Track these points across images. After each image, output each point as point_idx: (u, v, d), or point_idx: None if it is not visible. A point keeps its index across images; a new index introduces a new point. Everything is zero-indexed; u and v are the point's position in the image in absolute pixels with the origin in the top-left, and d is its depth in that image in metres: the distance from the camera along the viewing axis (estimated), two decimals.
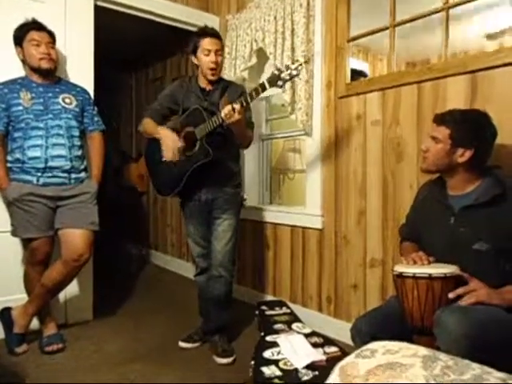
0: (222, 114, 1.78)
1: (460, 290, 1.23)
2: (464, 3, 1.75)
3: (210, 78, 2.00)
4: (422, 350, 0.70)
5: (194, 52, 2.00)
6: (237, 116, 1.75)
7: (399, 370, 0.63)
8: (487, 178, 1.36)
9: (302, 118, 2.33)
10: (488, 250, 1.27)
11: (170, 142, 1.99)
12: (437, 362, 0.63)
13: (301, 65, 1.68)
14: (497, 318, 1.18)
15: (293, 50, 2.36)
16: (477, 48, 2.27)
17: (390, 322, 1.34)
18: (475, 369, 0.62)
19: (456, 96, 1.76)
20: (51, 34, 2.08)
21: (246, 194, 2.18)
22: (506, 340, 1.16)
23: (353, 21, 2.21)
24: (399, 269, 1.31)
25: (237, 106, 1.75)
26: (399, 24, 1.99)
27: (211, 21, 2.98)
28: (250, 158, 2.99)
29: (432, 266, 1.31)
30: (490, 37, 2.85)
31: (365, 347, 0.76)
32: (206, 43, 1.95)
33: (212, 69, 1.97)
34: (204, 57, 1.96)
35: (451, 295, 1.22)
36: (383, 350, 0.72)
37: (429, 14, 1.88)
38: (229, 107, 1.75)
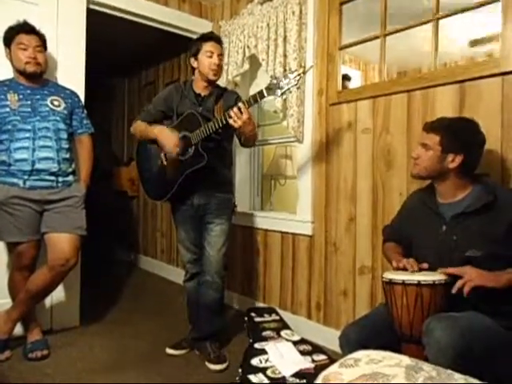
0: (231, 121, 1.74)
1: (459, 283, 1.20)
2: (452, 15, 1.78)
3: (212, 77, 1.99)
4: (406, 360, 0.69)
5: (195, 55, 2.00)
6: (245, 116, 1.73)
7: (382, 380, 0.62)
8: (477, 185, 1.37)
9: (294, 125, 2.33)
10: (480, 257, 1.27)
11: (167, 136, 1.96)
12: (420, 373, 0.63)
13: (299, 75, 1.67)
14: (486, 327, 1.18)
15: (285, 56, 2.37)
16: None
17: (379, 331, 1.34)
18: (458, 379, 0.61)
19: (445, 105, 1.78)
20: (41, 38, 2.05)
21: (236, 199, 2.16)
22: (495, 350, 1.16)
23: (346, 29, 2.22)
24: (389, 276, 1.32)
25: (241, 105, 1.73)
26: (390, 34, 2.01)
27: (204, 26, 2.99)
28: (242, 164, 2.99)
29: (421, 273, 1.31)
30: (474, 43, 2.85)
31: (349, 356, 0.76)
32: (210, 46, 1.97)
33: (214, 70, 1.97)
34: (206, 58, 1.97)
35: (454, 290, 1.20)
36: (367, 360, 0.71)
37: (419, 25, 1.91)
38: (235, 110, 1.72)
